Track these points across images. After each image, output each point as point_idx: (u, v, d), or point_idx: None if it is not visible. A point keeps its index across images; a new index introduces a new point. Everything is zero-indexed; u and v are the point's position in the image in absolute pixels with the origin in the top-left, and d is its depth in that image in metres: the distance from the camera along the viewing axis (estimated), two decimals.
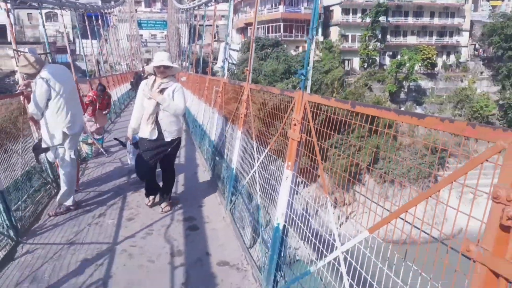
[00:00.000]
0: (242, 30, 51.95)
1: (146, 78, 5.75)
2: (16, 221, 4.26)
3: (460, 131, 1.33)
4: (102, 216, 4.92)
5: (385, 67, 46.92)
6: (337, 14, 47.44)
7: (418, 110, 43.18)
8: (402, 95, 45.07)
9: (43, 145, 4.70)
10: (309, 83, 2.91)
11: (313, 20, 2.87)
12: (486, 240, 1.21)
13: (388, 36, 48.61)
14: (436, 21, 50.11)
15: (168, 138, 4.72)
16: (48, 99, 4.41)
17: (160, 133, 4.68)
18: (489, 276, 1.19)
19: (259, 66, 38.57)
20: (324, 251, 2.25)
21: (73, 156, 4.82)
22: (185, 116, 13.46)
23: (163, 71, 4.66)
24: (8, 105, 5.06)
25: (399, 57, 45.05)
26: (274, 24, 46.62)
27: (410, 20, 49.22)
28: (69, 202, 4.93)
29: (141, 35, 55.54)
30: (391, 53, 48.53)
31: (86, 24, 19.71)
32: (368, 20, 44.84)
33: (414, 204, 1.55)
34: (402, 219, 1.60)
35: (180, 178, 6.58)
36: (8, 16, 5.33)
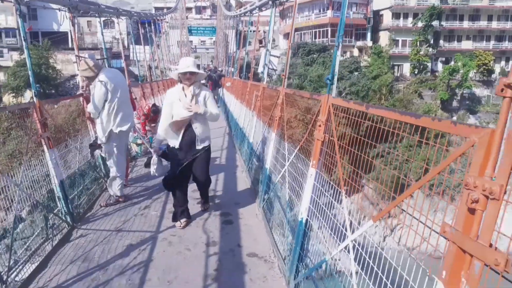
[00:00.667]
0: (289, 36, 52.35)
1: None
2: (72, 208, 4.78)
3: (446, 129, 1.50)
4: (147, 208, 5.36)
5: (437, 73, 45.22)
6: (387, 19, 46.43)
7: (471, 119, 41.16)
8: (455, 103, 43.17)
9: (98, 142, 5.21)
10: (334, 87, 3.10)
11: (340, 29, 3.07)
12: (457, 222, 1.37)
13: (441, 41, 46.80)
14: (494, 25, 47.58)
15: (199, 145, 4.63)
16: (105, 100, 4.91)
17: (192, 142, 4.59)
18: (458, 252, 1.35)
19: (304, 72, 38.54)
20: (338, 241, 2.44)
21: (123, 152, 5.30)
22: (228, 119, 13.88)
23: (189, 77, 4.50)
24: (67, 106, 5.65)
25: (452, 63, 43.32)
26: (321, 29, 46.45)
27: (466, 24, 47.14)
28: (118, 193, 5.42)
29: (191, 41, 57.23)
30: (444, 59, 46.70)
31: (140, 31, 20.82)
32: (420, 24, 43.43)
33: (409, 193, 1.73)
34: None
35: (220, 177, 6.95)
36: (73, 25, 5.94)
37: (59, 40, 46.05)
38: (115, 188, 5.36)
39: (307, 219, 3.06)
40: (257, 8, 8.83)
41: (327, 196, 2.80)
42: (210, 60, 49.78)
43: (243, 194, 6.09)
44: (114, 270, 3.65)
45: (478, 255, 1.26)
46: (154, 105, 9.24)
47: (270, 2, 6.70)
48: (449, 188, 5.17)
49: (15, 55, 42.21)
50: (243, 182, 6.78)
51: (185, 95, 4.54)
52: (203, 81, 8.44)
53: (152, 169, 4.80)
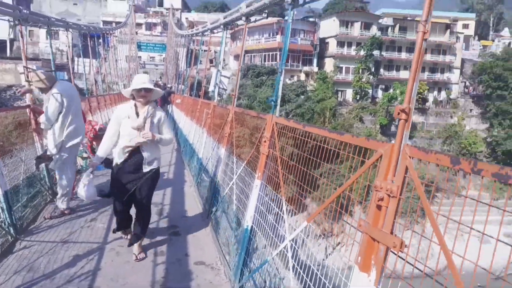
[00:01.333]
0: (239, 57, 53.31)
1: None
2: (16, 219, 4.70)
3: (362, 144, 1.87)
4: (93, 221, 5.37)
5: (377, 99, 48.04)
6: (333, 46, 48.82)
7: (409, 143, 43.92)
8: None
9: (48, 153, 5.19)
10: (278, 108, 3.48)
11: (283, 57, 3.46)
12: (369, 216, 1.73)
13: (382, 70, 49.91)
14: (429, 57, 51.36)
15: (146, 168, 4.19)
16: (59, 113, 4.94)
17: (139, 164, 4.16)
18: (369, 241, 1.70)
19: (254, 93, 39.45)
20: (278, 242, 2.75)
21: (72, 165, 5.32)
22: (177, 136, 13.96)
23: (144, 95, 4.07)
24: (3, 118, 5.57)
25: (391, 90, 46.26)
26: (271, 53, 47.93)
27: (404, 55, 50.66)
28: (64, 206, 5.38)
29: (140, 57, 56.55)
30: (383, 86, 49.70)
31: (89, 43, 20.41)
32: (362, 53, 46.16)
33: (335, 196, 2.09)
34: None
35: (168, 192, 7.07)
36: (22, 36, 5.87)
37: None
38: (60, 201, 5.33)
39: (252, 226, 3.35)
40: (209, 30, 9.18)
41: (270, 203, 3.12)
42: (159, 76, 49.42)
43: (191, 208, 6.27)
44: (61, 279, 3.69)
45: (382, 240, 1.61)
46: (101, 128, 9.19)
47: (222, 26, 7.06)
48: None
49: None
50: (191, 196, 6.95)
51: (137, 114, 4.12)
52: None
53: (81, 189, 4.16)
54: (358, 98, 47.23)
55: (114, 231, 4.70)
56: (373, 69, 47.73)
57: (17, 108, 5.78)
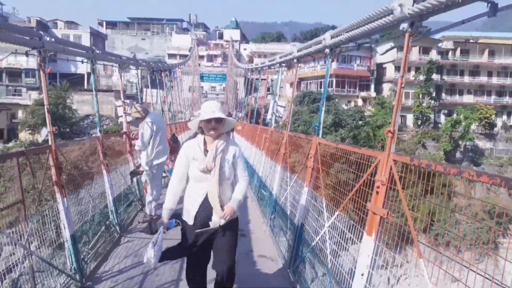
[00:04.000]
0: (295, 85, 54.61)
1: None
2: (120, 220, 6.15)
3: (369, 153, 2.75)
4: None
5: (439, 125, 46.66)
6: (390, 71, 48.65)
7: (474, 168, 42.01)
8: (458, 155, 44.24)
9: (141, 169, 6.48)
10: (320, 130, 4.42)
11: (324, 91, 4.42)
12: (372, 199, 2.61)
13: (443, 94, 48.65)
14: (495, 80, 49.44)
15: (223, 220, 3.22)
16: (151, 137, 6.23)
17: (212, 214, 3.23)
18: (372, 215, 2.58)
19: (309, 118, 40.21)
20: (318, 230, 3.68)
21: (159, 178, 6.57)
22: None
23: (215, 126, 3.21)
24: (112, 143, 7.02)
25: (454, 115, 44.72)
26: None
27: (466, 79, 49.10)
28: (153, 212, 6.62)
29: (202, 87, 59.79)
30: (446, 111, 48.27)
31: (156, 77, 22.55)
32: (421, 77, 45.47)
33: (350, 197, 2.98)
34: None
35: None
36: (121, 78, 7.41)
37: (76, 82, 48.83)
38: (150, 208, 6.57)
39: (302, 223, 4.29)
40: (266, 67, 10.37)
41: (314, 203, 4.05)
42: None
43: (253, 216, 7.47)
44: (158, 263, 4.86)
45: (377, 212, 2.49)
46: (173, 135, 10.51)
47: (278, 64, 8.19)
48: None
49: (34, 94, 44.82)
50: (253, 208, 8.16)
51: (205, 152, 3.26)
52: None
53: (151, 255, 3.18)
54: (419, 123, 46.17)
55: None
56: (434, 94, 46.60)
57: (116, 135, 7.23)
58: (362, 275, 2.52)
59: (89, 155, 5.92)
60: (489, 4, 2.18)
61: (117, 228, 5.88)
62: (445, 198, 2.49)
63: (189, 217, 3.28)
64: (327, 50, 4.13)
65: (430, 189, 2.38)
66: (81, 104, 46.77)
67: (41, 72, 4.14)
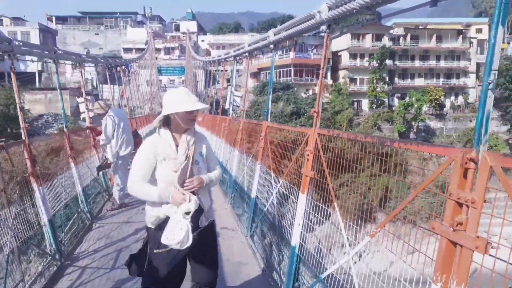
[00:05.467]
0: (255, 75, 55.10)
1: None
2: (90, 208, 6.57)
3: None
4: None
5: (393, 108, 48.78)
6: (345, 59, 50.18)
7: None
8: (412, 135, 46.49)
9: (109, 162, 6.86)
10: (269, 115, 5.05)
11: (270, 82, 5.04)
12: (304, 165, 3.23)
13: (396, 79, 50.70)
14: (443, 64, 51.84)
15: (205, 222, 2.84)
16: (114, 130, 6.63)
17: (196, 218, 2.68)
18: (304, 177, 3.20)
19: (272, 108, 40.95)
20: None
21: (125, 168, 6.99)
22: None
23: (194, 118, 2.79)
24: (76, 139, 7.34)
25: (407, 98, 46.89)
26: (285, 69, 49.73)
27: (417, 63, 51.35)
28: (120, 200, 7.06)
29: (160, 80, 58.98)
30: (399, 94, 50.39)
31: (113, 72, 22.37)
32: (375, 63, 47.28)
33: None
34: None
35: None
36: (82, 75, 7.73)
37: (26, 80, 46.65)
38: (118, 197, 7.00)
39: (256, 196, 4.94)
40: (223, 60, 10.91)
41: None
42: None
43: (216, 198, 7.82)
44: (130, 241, 5.40)
45: (308, 174, 3.11)
46: (135, 130, 10.82)
47: (232, 58, 8.75)
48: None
49: None
50: (216, 191, 8.43)
51: (176, 149, 2.74)
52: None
53: (179, 238, 2.41)
54: (374, 107, 48.08)
55: None
56: (387, 79, 48.57)
57: (81, 130, 7.58)
58: (299, 224, 3.16)
59: (56, 148, 6.29)
60: None
61: (88, 215, 6.34)
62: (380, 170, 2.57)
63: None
64: (271, 46, 4.73)
65: (354, 156, 2.98)
66: (33, 103, 44.45)
67: (12, 74, 4.47)
